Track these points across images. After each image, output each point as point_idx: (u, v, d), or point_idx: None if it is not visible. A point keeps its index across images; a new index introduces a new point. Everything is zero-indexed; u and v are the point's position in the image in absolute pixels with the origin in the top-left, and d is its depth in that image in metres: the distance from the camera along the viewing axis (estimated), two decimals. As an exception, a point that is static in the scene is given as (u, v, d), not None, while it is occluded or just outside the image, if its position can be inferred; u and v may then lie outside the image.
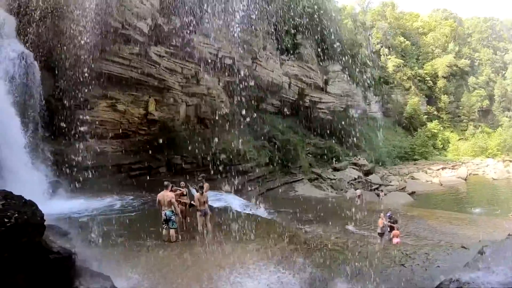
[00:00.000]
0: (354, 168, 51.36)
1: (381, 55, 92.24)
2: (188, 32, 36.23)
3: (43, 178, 21.51)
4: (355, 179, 47.91)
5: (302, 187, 39.91)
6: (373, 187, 47.18)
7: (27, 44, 23.30)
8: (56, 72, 25.99)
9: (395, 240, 17.92)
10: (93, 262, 9.00)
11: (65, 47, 25.94)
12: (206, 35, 38.91)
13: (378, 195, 41.85)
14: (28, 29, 23.84)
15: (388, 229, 19.27)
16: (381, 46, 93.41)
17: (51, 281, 7.22)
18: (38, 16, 24.56)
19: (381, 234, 19.19)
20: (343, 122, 57.41)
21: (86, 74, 26.04)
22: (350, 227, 21.94)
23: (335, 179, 46.23)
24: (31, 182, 19.70)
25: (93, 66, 26.82)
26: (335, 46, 62.24)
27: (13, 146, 19.82)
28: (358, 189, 39.09)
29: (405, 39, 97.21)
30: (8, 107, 20.21)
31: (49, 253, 7.44)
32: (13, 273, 6.37)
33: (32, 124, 22.25)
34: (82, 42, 26.10)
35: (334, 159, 51.52)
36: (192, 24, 35.92)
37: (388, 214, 20.32)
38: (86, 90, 26.89)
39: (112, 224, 15.23)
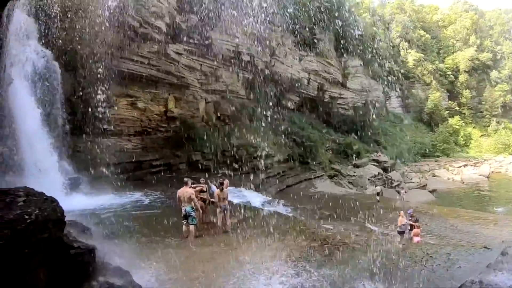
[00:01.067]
0: (374, 165, 50.77)
1: (400, 49, 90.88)
2: (206, 29, 36.33)
3: (65, 175, 21.86)
4: (375, 176, 47.31)
5: (322, 184, 39.69)
6: (394, 184, 46.61)
7: (47, 45, 23.64)
8: (77, 71, 26.36)
9: (415, 239, 17.67)
10: (113, 257, 9.09)
11: (84, 47, 26.28)
12: (224, 32, 38.93)
13: (398, 192, 41.24)
14: (48, 31, 24.18)
15: (409, 228, 18.97)
16: (401, 40, 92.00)
17: (71, 275, 7.32)
18: (57, 17, 24.87)
19: (401, 233, 18.92)
20: (363, 118, 56.87)
21: (106, 73, 26.36)
22: (370, 224, 21.67)
23: (355, 176, 45.81)
24: (53, 178, 20.12)
25: (112, 65, 27.14)
26: (354, 40, 61.57)
27: (36, 144, 20.20)
28: (378, 186, 38.67)
29: (425, 33, 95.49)
30: (30, 107, 20.61)
31: (70, 248, 7.54)
32: (34, 268, 6.48)
33: (54, 123, 22.69)
34: (101, 41, 26.53)
35: (354, 155, 51.04)
36: (210, 21, 36.00)
37: (409, 212, 20.04)
38: (106, 89, 27.22)
39: (132, 219, 15.42)
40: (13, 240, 5.74)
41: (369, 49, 66.73)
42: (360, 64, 65.40)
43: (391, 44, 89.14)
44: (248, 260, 11.07)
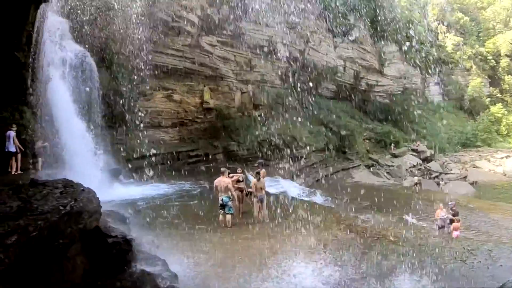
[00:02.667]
0: (413, 155, 49.43)
1: (438, 33, 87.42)
2: (239, 20, 36.33)
3: (105, 167, 22.55)
4: (414, 166, 46.12)
5: (359, 174, 39.21)
6: (433, 175, 45.28)
7: (82, 44, 24.35)
8: (112, 67, 27.06)
9: (454, 234, 17.00)
10: (150, 246, 9.31)
11: (118, 44, 27.11)
12: (257, 21, 38.77)
13: (438, 184, 40.21)
14: (81, 30, 24.98)
15: (448, 221, 18.39)
16: (438, 24, 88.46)
17: (109, 263, 7.52)
18: (89, 17, 25.75)
19: (441, 226, 18.39)
20: (401, 106, 55.45)
21: (141, 68, 27.15)
22: (408, 217, 21.13)
23: (393, 166, 44.76)
24: (94, 170, 20.75)
25: (147, 59, 27.70)
26: (389, 25, 59.90)
27: (76, 138, 20.87)
28: (416, 176, 37.76)
29: (463, 15, 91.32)
30: (69, 103, 21.28)
31: (108, 237, 7.75)
32: (72, 256, 6.68)
33: (93, 117, 23.41)
34: (135, 37, 27.18)
35: (392, 144, 49.99)
36: (241, 12, 35.97)
37: (450, 204, 19.41)
38: (142, 83, 27.99)
39: (170, 209, 15.65)
40: (46, 231, 5.91)
41: (406, 34, 64.59)
42: (397, 50, 63.43)
43: (428, 28, 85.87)
44: (283, 250, 11.11)
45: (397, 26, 60.53)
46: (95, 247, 7.63)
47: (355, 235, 12.70)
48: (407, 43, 63.97)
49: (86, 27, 25.24)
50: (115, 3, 27.13)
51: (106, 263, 7.58)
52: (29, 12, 15.97)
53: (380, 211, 22.01)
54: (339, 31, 53.15)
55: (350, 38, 54.70)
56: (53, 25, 21.57)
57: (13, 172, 15.28)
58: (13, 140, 15.24)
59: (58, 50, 22.11)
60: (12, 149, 15.29)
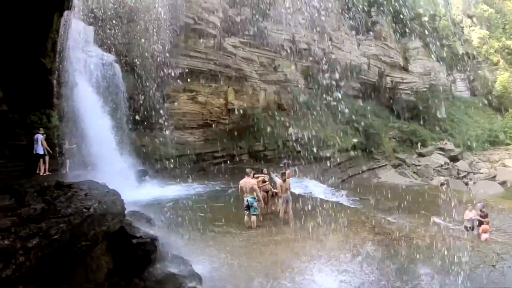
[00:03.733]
0: (440, 154, 48.43)
1: (463, 27, 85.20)
2: (260, 20, 36.39)
3: (131, 168, 23.00)
4: (441, 165, 45.14)
5: (385, 174, 38.69)
6: (461, 175, 44.30)
7: (106, 49, 25.27)
8: (136, 71, 27.65)
9: (483, 236, 16.44)
10: (175, 246, 9.38)
11: (141, 47, 27.68)
12: (278, 21, 38.74)
13: (466, 183, 39.18)
14: (106, 35, 25.83)
15: (477, 223, 17.89)
16: (463, 17, 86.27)
17: (135, 262, 7.64)
18: (112, 22, 26.48)
19: (469, 228, 17.92)
20: (427, 103, 54.37)
21: (165, 70, 27.69)
22: (436, 218, 20.65)
23: (420, 166, 43.93)
24: (120, 171, 21.29)
25: (170, 62, 28.18)
26: (413, 20, 58.75)
27: (103, 140, 21.50)
28: (442, 176, 36.94)
29: (488, 7, 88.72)
30: (95, 106, 21.97)
31: (132, 238, 7.87)
32: (97, 256, 6.80)
33: (119, 120, 24.09)
34: (157, 41, 27.86)
35: (419, 143, 49.11)
36: (263, 12, 36.05)
37: (479, 205, 18.89)
38: (166, 85, 28.43)
39: (195, 210, 15.73)
40: (69, 234, 6.01)
41: (430, 29, 63.23)
42: (421, 46, 62.24)
43: (452, 22, 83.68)
44: (308, 252, 11.00)
45: (420, 21, 59.29)
46: (120, 247, 7.76)
47: (381, 237, 12.45)
48: (432, 38, 62.47)
49: (109, 32, 25.99)
50: (137, 8, 27.69)
51: (130, 263, 7.71)
52: (53, 19, 16.61)
53: (406, 212, 21.62)
54: (362, 28, 52.55)
55: (373, 35, 53.98)
56: (77, 32, 22.37)
57: (41, 174, 15.75)
58: (41, 143, 15.76)
59: (83, 55, 22.87)
60: (40, 151, 15.81)
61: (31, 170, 15.67)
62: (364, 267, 10.11)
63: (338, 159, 35.71)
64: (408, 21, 58.23)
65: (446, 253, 11.01)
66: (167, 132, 27.67)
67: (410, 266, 10.16)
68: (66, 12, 17.90)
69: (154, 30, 27.87)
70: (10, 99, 16.03)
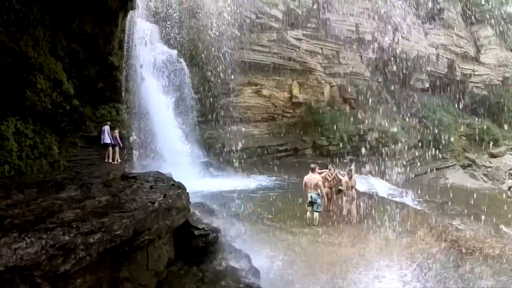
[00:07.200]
0: (513, 155, 45.04)
1: (541, 12, 78.09)
2: (323, 11, 35.67)
3: (197, 159, 23.65)
4: (514, 168, 41.90)
5: (453, 175, 36.66)
6: (536, 180, 40.90)
7: (172, 46, 26.19)
8: (202, 66, 28.40)
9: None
10: (236, 239, 9.42)
11: (206, 43, 28.38)
12: (341, 12, 37.73)
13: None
14: (170, 32, 26.73)
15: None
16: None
17: (194, 254, 7.74)
18: (176, 20, 27.27)
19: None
20: (501, 98, 50.69)
21: (229, 65, 28.22)
22: (506, 227, 19.04)
23: (491, 167, 40.74)
24: (186, 163, 22.39)
25: (235, 56, 28.57)
26: (484, 5, 54.50)
27: (170, 132, 22.67)
28: (510, 179, 34.26)
29: None
30: (162, 101, 23.21)
31: (194, 229, 7.98)
32: (159, 246, 6.91)
33: (185, 113, 24.99)
34: (221, 36, 28.39)
35: (491, 143, 45.63)
36: (325, 3, 35.32)
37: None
38: (231, 79, 28.80)
39: (257, 202, 15.83)
40: (132, 229, 5.97)
41: (502, 15, 58.40)
42: (493, 34, 57.77)
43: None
44: (369, 254, 10.65)
45: (490, 5, 54.88)
46: (182, 237, 7.86)
47: (446, 245, 11.59)
48: (505, 25, 57.68)
49: (174, 29, 26.85)
50: (200, 5, 28.42)
51: (191, 253, 7.78)
52: (118, 20, 18.02)
53: (475, 218, 20.25)
54: (429, 15, 49.65)
55: (440, 23, 50.78)
56: (142, 30, 23.72)
57: (111, 162, 17.14)
58: (108, 133, 17.23)
59: (150, 53, 24.12)
60: (107, 140, 17.29)
61: (100, 159, 17.10)
62: (426, 277, 9.57)
63: (405, 156, 34.32)
64: (477, 7, 54.09)
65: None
66: (232, 125, 28.11)
67: (477, 284, 9.32)
68: (130, 12, 18.91)
69: (217, 26, 28.38)
70: (81, 95, 17.39)
